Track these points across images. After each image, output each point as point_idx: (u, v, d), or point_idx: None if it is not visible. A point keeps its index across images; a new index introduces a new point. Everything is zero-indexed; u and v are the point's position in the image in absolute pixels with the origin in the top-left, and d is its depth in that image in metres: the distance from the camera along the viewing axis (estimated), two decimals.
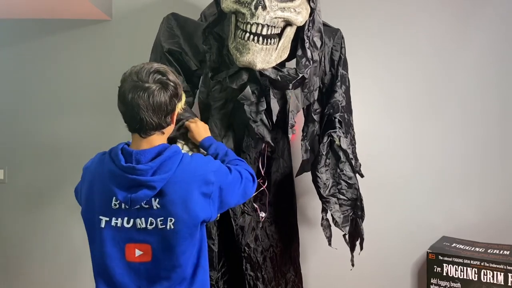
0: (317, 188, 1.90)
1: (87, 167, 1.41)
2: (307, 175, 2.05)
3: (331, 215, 1.89)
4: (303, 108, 2.03)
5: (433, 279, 2.09)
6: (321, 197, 1.89)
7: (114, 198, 1.29)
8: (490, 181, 2.31)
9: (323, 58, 2.00)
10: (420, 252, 2.30)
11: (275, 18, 1.63)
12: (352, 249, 1.98)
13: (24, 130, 2.51)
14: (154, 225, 1.29)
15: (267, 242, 2.05)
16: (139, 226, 1.29)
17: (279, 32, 1.69)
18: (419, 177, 2.35)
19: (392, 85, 2.38)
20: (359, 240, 1.96)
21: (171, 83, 1.32)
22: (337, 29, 2.08)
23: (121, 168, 1.28)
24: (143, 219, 1.29)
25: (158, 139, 1.34)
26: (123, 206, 1.29)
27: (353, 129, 2.08)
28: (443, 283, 2.07)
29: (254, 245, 1.98)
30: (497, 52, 2.31)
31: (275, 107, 1.79)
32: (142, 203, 1.28)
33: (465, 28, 2.33)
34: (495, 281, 1.96)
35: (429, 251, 2.11)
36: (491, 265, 1.96)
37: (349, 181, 1.92)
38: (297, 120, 1.97)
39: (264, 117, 1.79)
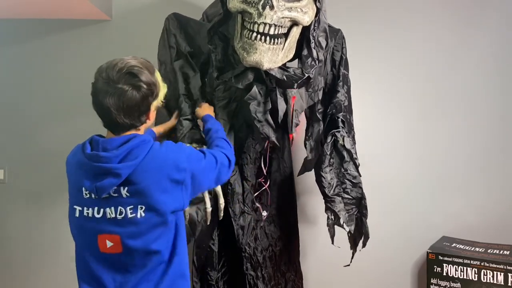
0: (322, 188, 1.90)
1: (67, 160, 1.42)
2: (307, 175, 2.05)
3: (336, 214, 1.89)
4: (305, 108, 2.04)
5: (433, 279, 2.09)
6: (325, 196, 1.90)
7: (83, 188, 1.28)
8: (490, 181, 2.31)
9: (325, 58, 2.00)
10: (420, 252, 2.30)
11: (282, 18, 1.63)
12: (354, 248, 1.98)
13: (24, 130, 2.50)
14: (123, 214, 1.26)
15: (266, 242, 2.05)
16: (109, 216, 1.26)
17: (285, 32, 1.69)
18: (420, 177, 2.35)
19: (392, 85, 2.39)
20: (362, 238, 1.97)
21: (144, 84, 1.28)
22: (338, 29, 2.09)
23: (87, 156, 1.28)
24: (112, 208, 1.26)
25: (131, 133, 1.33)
26: (92, 195, 1.27)
27: (353, 129, 2.09)
28: (443, 283, 2.07)
29: (254, 245, 1.98)
30: (498, 52, 2.32)
31: (282, 106, 1.79)
32: (111, 192, 1.25)
33: (466, 27, 2.34)
34: (495, 281, 1.96)
35: (429, 251, 2.11)
36: (491, 265, 1.97)
37: (353, 180, 1.93)
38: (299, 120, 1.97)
39: (269, 117, 1.79)
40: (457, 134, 2.33)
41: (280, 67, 1.72)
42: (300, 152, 2.15)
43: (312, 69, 1.76)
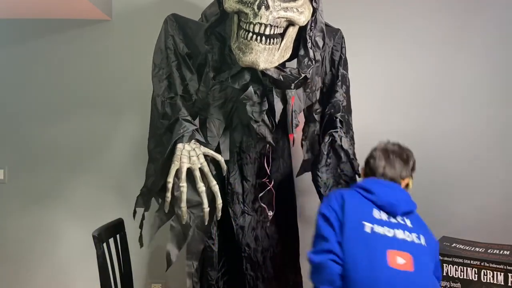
0: (317, 187, 1.90)
1: None
2: (307, 175, 2.05)
3: None
4: (303, 108, 2.04)
5: None
6: (321, 196, 1.89)
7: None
8: (490, 181, 2.31)
9: (324, 58, 2.00)
10: None
11: (278, 18, 1.62)
12: None
13: (24, 130, 2.51)
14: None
15: (267, 242, 2.05)
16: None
17: (281, 32, 1.68)
18: (419, 177, 2.34)
19: (392, 85, 2.39)
20: None
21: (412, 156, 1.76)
22: (337, 29, 2.09)
23: None
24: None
25: None
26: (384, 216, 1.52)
27: (352, 129, 2.08)
28: (443, 283, 2.06)
29: (254, 245, 1.98)
30: (496, 52, 2.32)
31: (278, 107, 1.79)
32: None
33: (463, 28, 2.35)
34: (495, 281, 1.95)
35: None
36: (491, 265, 1.96)
37: (349, 181, 1.92)
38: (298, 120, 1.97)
39: (265, 117, 1.79)
40: (456, 134, 2.33)
41: (276, 67, 1.71)
42: (301, 152, 2.15)
43: (309, 69, 1.76)
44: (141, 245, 1.97)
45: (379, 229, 1.44)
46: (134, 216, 1.98)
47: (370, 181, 1.63)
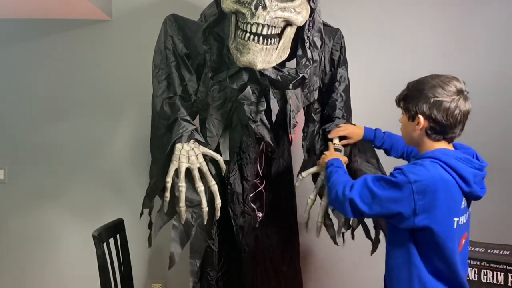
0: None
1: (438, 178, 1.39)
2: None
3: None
4: (303, 108, 2.04)
5: None
6: (321, 196, 1.89)
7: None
8: (490, 180, 2.30)
9: (323, 58, 2.00)
10: None
11: (275, 18, 1.62)
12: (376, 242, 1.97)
13: (24, 130, 2.51)
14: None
15: (268, 242, 2.05)
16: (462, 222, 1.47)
17: (279, 32, 1.68)
18: None
19: (392, 84, 2.38)
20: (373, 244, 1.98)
21: None
22: (337, 29, 2.09)
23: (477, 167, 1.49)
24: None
25: None
26: (463, 205, 1.47)
27: None
28: None
29: (254, 245, 1.98)
30: (497, 50, 2.32)
31: (275, 107, 1.79)
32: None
33: (464, 27, 2.35)
34: (495, 281, 1.95)
35: None
36: (491, 265, 1.96)
37: None
38: (298, 120, 1.97)
39: (264, 117, 1.79)
40: None
41: (274, 67, 1.71)
42: (300, 152, 2.15)
43: (307, 69, 1.76)
44: (150, 245, 1.98)
45: (461, 219, 1.47)
46: (140, 216, 1.99)
47: (460, 160, 1.46)
